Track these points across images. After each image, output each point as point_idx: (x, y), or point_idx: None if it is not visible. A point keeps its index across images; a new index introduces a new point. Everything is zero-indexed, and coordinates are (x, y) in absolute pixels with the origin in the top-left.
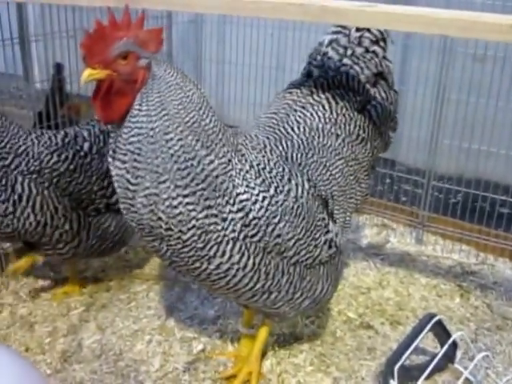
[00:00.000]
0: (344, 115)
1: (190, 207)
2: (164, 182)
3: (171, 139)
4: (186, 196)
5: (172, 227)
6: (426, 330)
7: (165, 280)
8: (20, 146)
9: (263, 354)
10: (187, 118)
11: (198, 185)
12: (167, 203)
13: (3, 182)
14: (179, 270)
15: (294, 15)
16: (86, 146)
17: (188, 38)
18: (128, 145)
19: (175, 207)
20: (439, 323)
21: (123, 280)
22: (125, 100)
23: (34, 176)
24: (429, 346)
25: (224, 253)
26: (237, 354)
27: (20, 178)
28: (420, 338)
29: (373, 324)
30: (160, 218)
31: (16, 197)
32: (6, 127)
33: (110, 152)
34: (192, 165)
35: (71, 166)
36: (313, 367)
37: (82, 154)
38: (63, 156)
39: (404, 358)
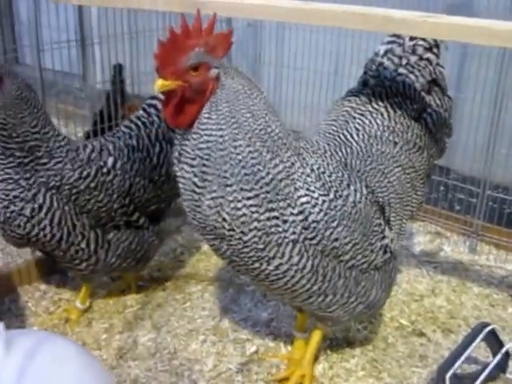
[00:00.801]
0: (402, 123)
1: (253, 209)
2: (230, 185)
3: (240, 146)
4: (249, 198)
5: (235, 228)
6: (478, 339)
7: (219, 281)
8: (55, 150)
9: (315, 358)
10: (255, 126)
11: (261, 188)
12: (232, 205)
13: (31, 180)
14: (238, 270)
15: (357, 24)
16: (110, 161)
17: (247, 42)
18: (197, 150)
19: (239, 209)
20: (492, 333)
21: (178, 280)
22: (194, 108)
23: (53, 191)
24: (480, 356)
25: (284, 254)
26: (290, 357)
27: (43, 189)
28: (473, 346)
29: (425, 331)
30: (224, 219)
31: (36, 205)
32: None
33: (176, 154)
34: (258, 169)
35: (92, 184)
36: (364, 372)
37: (104, 170)
38: (85, 173)
39: (456, 366)
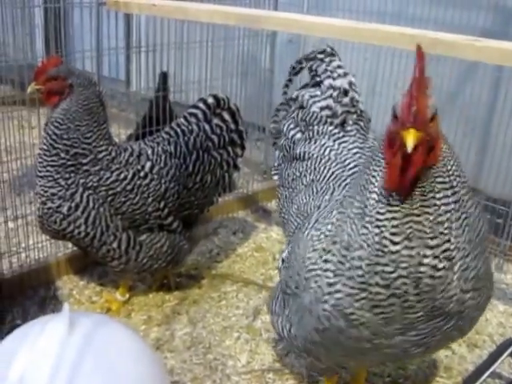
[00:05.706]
0: None
1: None
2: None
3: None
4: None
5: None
6: (505, 355)
7: (253, 284)
8: (102, 160)
9: None
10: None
11: None
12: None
13: (69, 181)
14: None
15: (406, 44)
16: (148, 165)
17: (287, 57)
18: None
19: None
20: None
21: (214, 279)
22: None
23: (90, 192)
24: (505, 371)
25: None
26: None
27: (81, 189)
28: (499, 361)
29: (450, 344)
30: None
31: (73, 204)
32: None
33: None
34: None
35: (128, 187)
36: (390, 378)
37: (141, 174)
38: (122, 175)
39: (482, 379)
